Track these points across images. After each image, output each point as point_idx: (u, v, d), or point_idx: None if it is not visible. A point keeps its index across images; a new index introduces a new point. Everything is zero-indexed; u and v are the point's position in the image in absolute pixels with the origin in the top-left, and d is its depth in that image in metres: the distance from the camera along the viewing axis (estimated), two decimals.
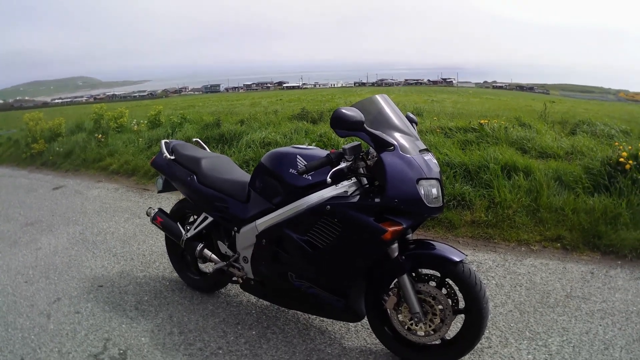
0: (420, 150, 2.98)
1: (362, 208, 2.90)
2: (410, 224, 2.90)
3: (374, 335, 3.40)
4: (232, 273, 3.86)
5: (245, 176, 3.95)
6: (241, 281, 3.80)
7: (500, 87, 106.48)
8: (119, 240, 5.93)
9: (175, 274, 4.69)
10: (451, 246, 3.07)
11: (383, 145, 2.85)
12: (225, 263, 3.85)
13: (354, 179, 3.04)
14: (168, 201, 7.39)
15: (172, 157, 4.20)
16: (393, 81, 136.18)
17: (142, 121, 13.57)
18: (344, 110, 2.76)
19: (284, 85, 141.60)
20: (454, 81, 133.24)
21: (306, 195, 3.14)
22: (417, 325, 3.08)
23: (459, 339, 3.08)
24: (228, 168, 4.14)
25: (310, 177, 3.13)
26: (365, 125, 2.79)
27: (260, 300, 4.16)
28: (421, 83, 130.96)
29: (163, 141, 4.41)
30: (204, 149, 4.57)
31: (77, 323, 4.02)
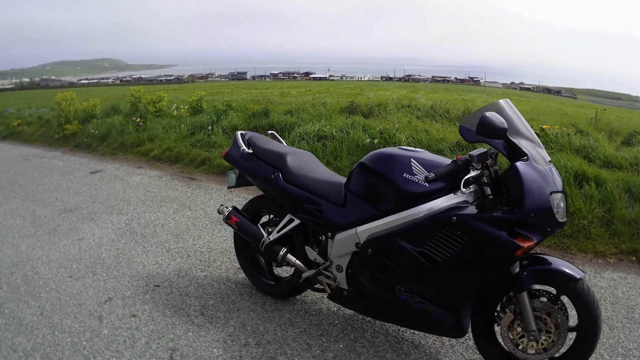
0: (547, 162, 2.80)
1: (493, 221, 2.68)
2: (539, 240, 2.68)
3: (470, 351, 3.32)
4: (316, 281, 3.57)
5: (335, 176, 3.67)
6: (330, 291, 3.52)
7: (528, 89, 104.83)
8: (171, 234, 5.63)
9: (241, 275, 4.41)
10: (568, 262, 2.90)
11: (516, 155, 2.69)
12: (314, 271, 3.53)
13: (472, 187, 2.83)
14: (219, 193, 7.20)
15: (250, 151, 3.89)
16: (420, 77, 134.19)
17: (182, 106, 13.28)
18: (491, 117, 2.59)
19: (311, 75, 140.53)
20: (481, 80, 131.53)
21: (421, 203, 2.91)
22: (528, 344, 2.89)
23: (567, 358, 2.92)
24: (315, 166, 3.83)
25: (427, 184, 2.89)
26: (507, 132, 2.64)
27: (342, 309, 3.88)
28: (448, 80, 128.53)
29: (239, 132, 4.09)
30: (280, 142, 4.24)
31: (135, 328, 3.70)
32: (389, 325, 3.65)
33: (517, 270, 2.80)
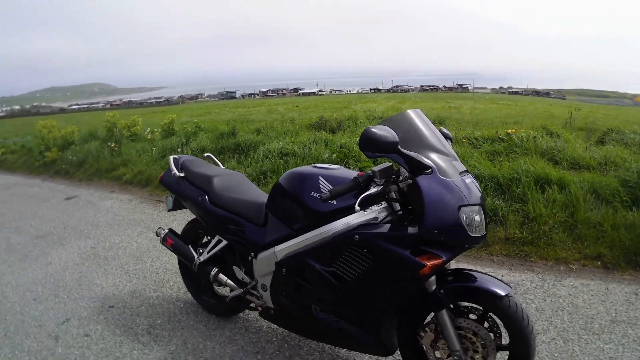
0: (460, 173, 2.66)
1: (396, 239, 2.58)
2: (450, 256, 2.56)
3: None
4: (249, 300, 3.55)
5: (262, 196, 3.63)
6: (260, 309, 3.49)
7: (516, 93, 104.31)
8: (132, 256, 5.66)
9: (190, 295, 4.40)
10: (495, 277, 2.75)
11: (419, 168, 2.54)
12: (242, 290, 3.53)
13: (384, 204, 2.72)
14: (183, 214, 7.07)
15: (182, 175, 3.91)
16: (408, 87, 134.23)
17: (156, 129, 13.43)
18: (375, 130, 2.43)
19: (300, 91, 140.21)
20: (469, 87, 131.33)
21: (331, 221, 2.83)
22: None
23: None
24: (243, 187, 3.82)
25: (335, 202, 2.81)
26: (399, 146, 2.47)
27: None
28: (437, 89, 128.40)
29: (172, 157, 4.11)
30: (217, 164, 4.28)
31: (86, 347, 3.77)
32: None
33: (434, 288, 2.69)
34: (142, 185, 9.59)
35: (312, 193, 2.90)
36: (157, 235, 4.19)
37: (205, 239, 4.12)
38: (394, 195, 2.63)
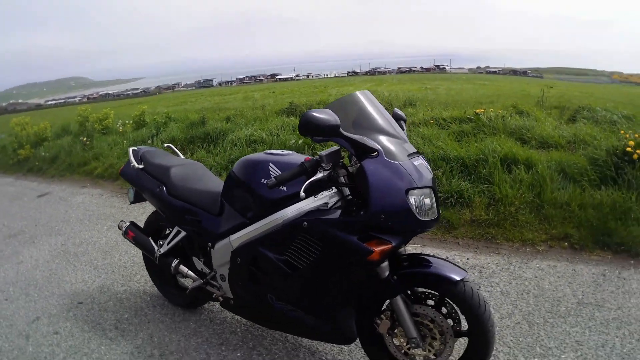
0: (409, 155, 2.59)
1: (343, 225, 2.53)
2: (400, 241, 2.53)
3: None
4: (210, 291, 3.53)
5: (219, 185, 3.56)
6: (221, 299, 3.47)
7: (494, 72, 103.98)
8: (101, 251, 5.65)
9: (156, 289, 4.40)
10: (450, 262, 2.73)
11: (365, 151, 2.47)
12: (202, 281, 3.50)
13: (334, 189, 2.69)
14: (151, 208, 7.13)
15: (141, 166, 3.88)
16: (386, 70, 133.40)
17: (127, 122, 13.36)
18: (314, 114, 2.33)
19: (277, 77, 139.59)
20: (447, 67, 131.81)
21: (282, 209, 2.78)
22: (415, 350, 2.77)
23: None
24: (200, 176, 3.79)
25: (285, 188, 2.76)
26: (341, 129, 2.39)
27: None
28: (414, 71, 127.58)
29: (131, 149, 4.09)
30: (177, 154, 4.26)
31: (55, 345, 3.77)
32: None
33: (387, 274, 2.66)
34: (113, 178, 9.51)
35: (263, 180, 2.85)
36: (120, 229, 4.18)
37: (167, 230, 4.09)
38: (342, 179, 2.60)
